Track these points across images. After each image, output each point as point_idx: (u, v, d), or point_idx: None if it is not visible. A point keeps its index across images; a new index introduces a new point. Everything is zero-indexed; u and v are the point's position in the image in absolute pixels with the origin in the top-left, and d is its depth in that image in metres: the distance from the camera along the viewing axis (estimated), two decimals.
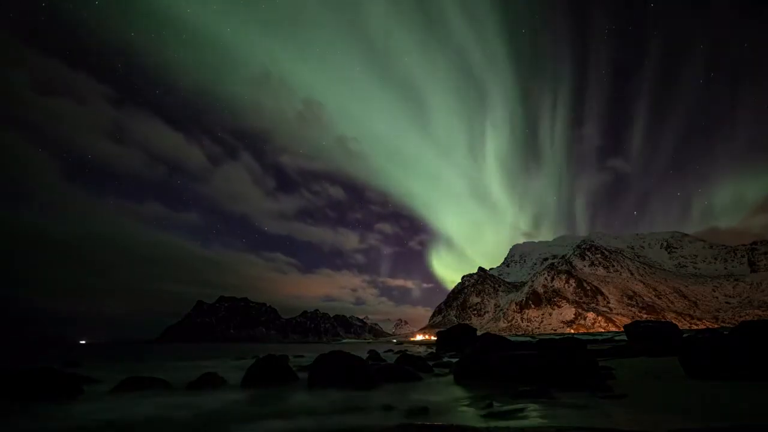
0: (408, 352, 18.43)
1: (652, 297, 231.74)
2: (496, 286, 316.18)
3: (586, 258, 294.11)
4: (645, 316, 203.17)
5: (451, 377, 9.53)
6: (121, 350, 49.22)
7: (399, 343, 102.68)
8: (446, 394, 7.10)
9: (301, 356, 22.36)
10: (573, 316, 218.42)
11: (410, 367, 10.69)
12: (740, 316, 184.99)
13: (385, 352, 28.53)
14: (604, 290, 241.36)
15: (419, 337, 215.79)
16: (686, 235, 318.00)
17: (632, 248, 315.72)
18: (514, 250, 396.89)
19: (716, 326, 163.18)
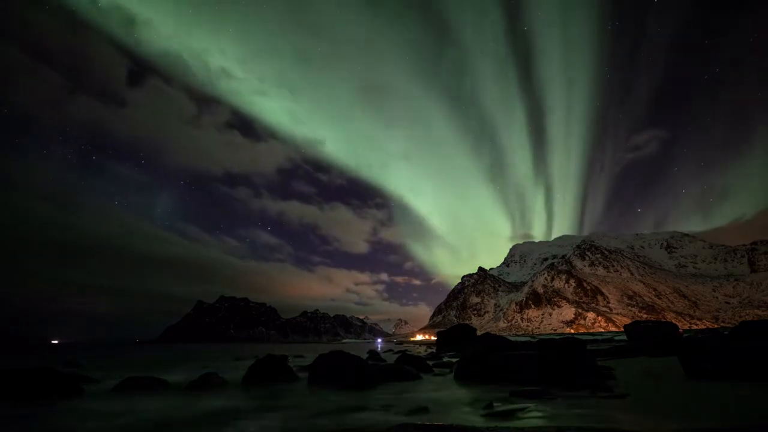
0: (408, 352, 18.44)
1: (652, 297, 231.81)
2: (496, 286, 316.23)
3: (586, 258, 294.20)
4: (645, 316, 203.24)
5: (451, 377, 9.53)
6: (121, 350, 49.24)
7: (399, 343, 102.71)
8: (446, 394, 7.10)
9: (301, 356, 22.36)
10: (573, 316, 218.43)
11: (410, 366, 10.68)
12: (740, 316, 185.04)
13: (385, 352, 28.55)
14: (604, 290, 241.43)
15: (419, 337, 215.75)
16: (686, 235, 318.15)
17: (632, 248, 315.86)
18: (514, 250, 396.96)
19: (716, 326, 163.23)
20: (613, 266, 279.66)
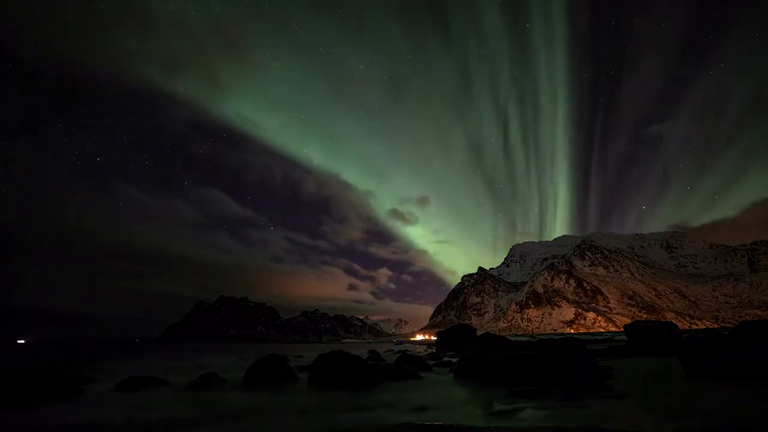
0: (408, 352, 18.42)
1: (652, 297, 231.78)
2: (496, 286, 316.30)
3: (586, 258, 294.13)
4: (645, 316, 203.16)
5: (451, 377, 9.52)
6: (121, 350, 49.21)
7: (399, 342, 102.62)
8: (446, 394, 7.10)
9: (301, 356, 22.32)
10: (573, 316, 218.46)
11: (410, 366, 10.67)
12: (740, 316, 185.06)
13: (385, 352, 28.50)
14: (604, 290, 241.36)
15: (419, 337, 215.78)
16: (686, 234, 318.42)
17: (632, 248, 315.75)
18: (514, 250, 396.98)
19: (716, 326, 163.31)
20: (613, 266, 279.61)
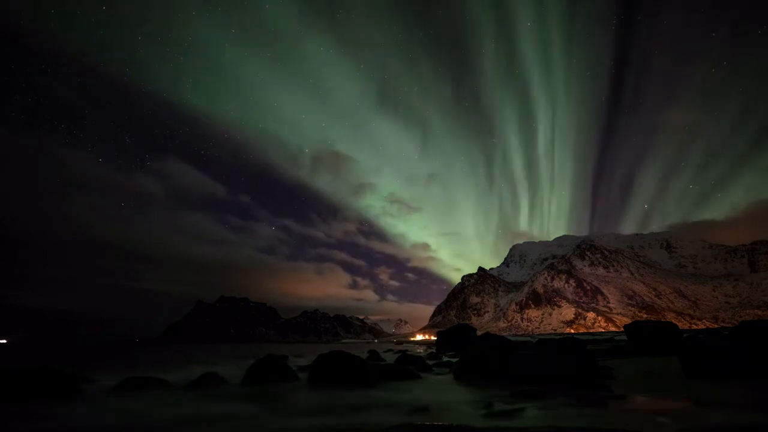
0: (408, 352, 18.41)
1: (652, 297, 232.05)
2: (496, 286, 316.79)
3: (586, 258, 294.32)
4: (645, 316, 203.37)
5: (451, 377, 9.52)
6: (121, 350, 49.24)
7: (399, 342, 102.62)
8: (446, 394, 7.10)
9: (301, 356, 22.33)
10: (573, 316, 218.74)
11: (410, 366, 10.67)
12: (740, 316, 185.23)
13: (385, 351, 28.50)
14: (604, 290, 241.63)
15: (419, 337, 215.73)
16: (686, 234, 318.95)
17: (632, 248, 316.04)
18: (514, 249, 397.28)
19: (716, 326, 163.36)
20: (613, 266, 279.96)
